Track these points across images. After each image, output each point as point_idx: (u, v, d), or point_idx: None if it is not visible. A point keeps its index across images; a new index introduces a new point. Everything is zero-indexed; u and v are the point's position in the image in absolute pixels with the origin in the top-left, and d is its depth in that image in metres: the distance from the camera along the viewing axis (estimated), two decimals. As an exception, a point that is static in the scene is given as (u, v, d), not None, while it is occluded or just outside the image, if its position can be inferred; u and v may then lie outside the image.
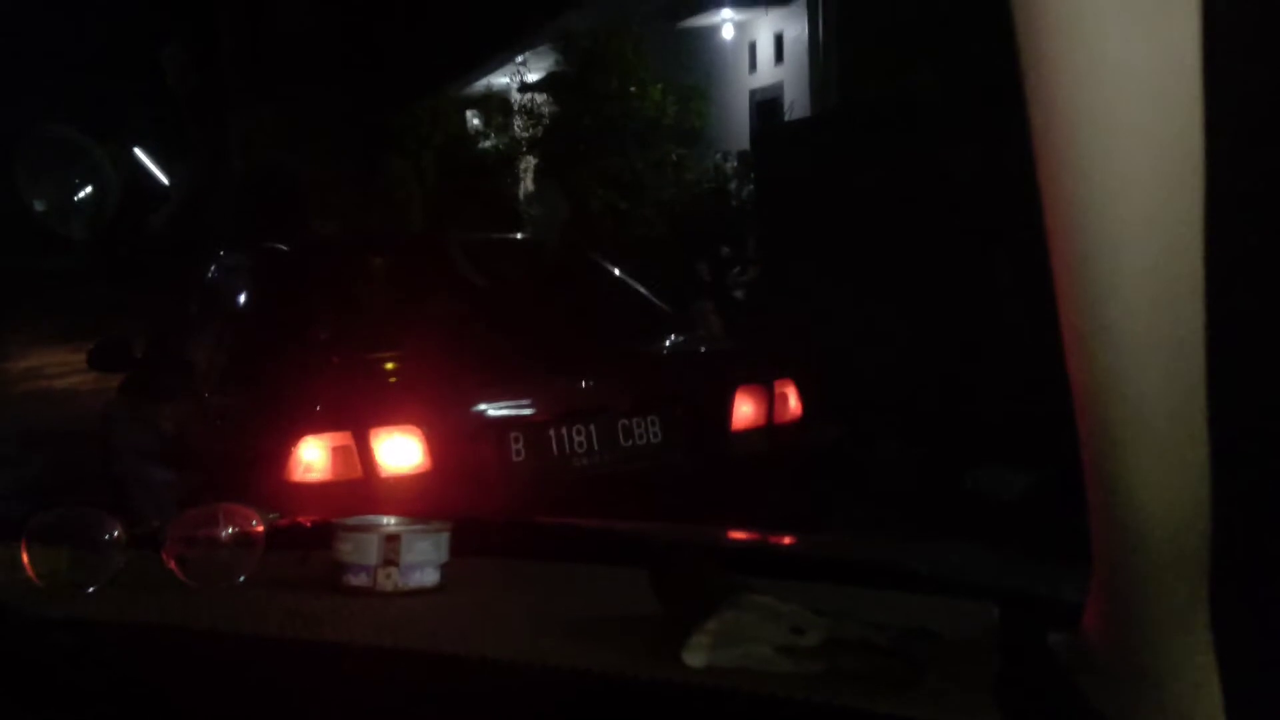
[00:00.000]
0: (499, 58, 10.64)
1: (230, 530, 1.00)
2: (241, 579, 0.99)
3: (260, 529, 1.00)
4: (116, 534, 0.98)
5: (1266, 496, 0.58)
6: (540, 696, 0.82)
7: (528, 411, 3.55)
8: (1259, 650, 0.59)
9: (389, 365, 3.69)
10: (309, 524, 1.13)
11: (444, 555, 1.00)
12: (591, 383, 3.67)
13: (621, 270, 4.59)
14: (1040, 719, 0.77)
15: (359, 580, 0.96)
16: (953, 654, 0.86)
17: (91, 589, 0.96)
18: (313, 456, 3.29)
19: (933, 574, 1.10)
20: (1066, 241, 0.54)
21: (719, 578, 0.91)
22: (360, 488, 3.22)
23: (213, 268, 4.79)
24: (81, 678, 0.84)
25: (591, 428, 3.60)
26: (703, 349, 4.50)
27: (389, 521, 1.00)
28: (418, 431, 3.34)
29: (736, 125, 9.45)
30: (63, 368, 9.18)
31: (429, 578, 0.98)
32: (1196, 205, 0.50)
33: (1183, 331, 0.52)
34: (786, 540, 1.32)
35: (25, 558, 0.97)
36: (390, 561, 0.96)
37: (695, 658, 0.83)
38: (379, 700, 0.81)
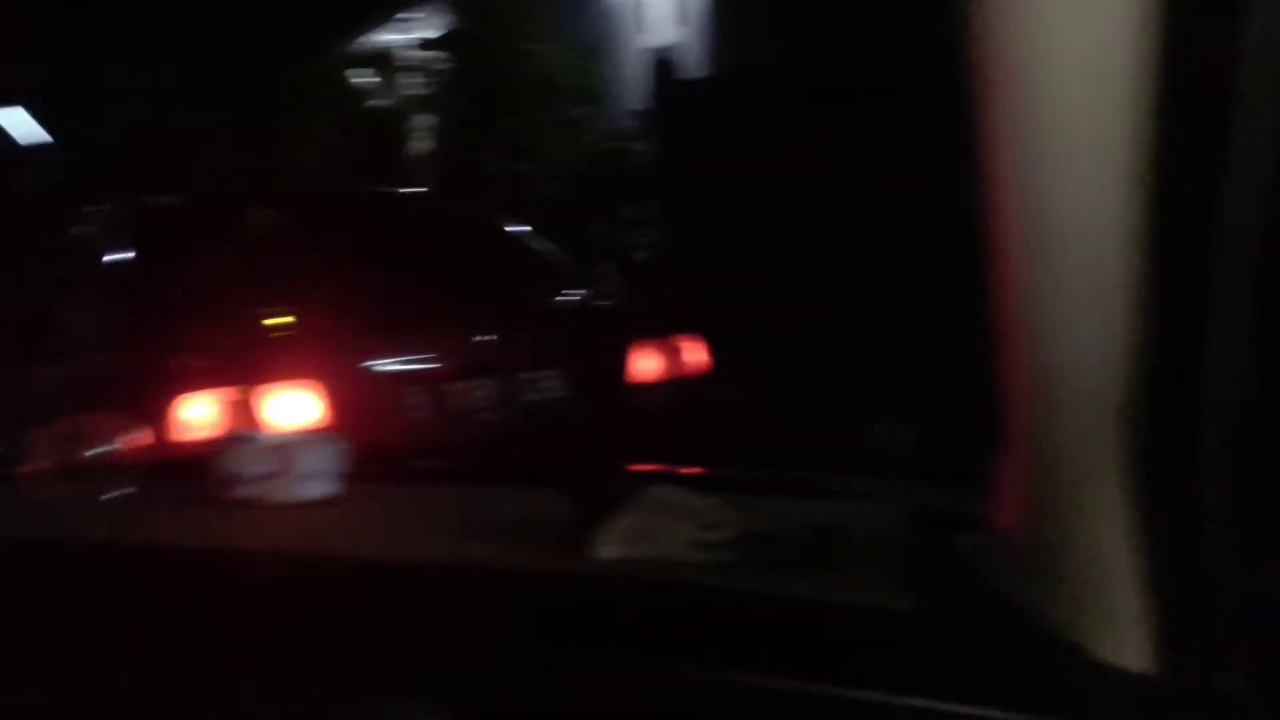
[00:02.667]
0: (388, 14, 10.35)
1: (93, 446, 0.93)
2: (119, 493, 0.92)
3: (137, 442, 0.94)
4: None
5: (1176, 386, 0.59)
6: (449, 594, 0.78)
7: (426, 367, 3.47)
8: (1176, 533, 0.59)
9: (282, 320, 3.57)
10: (188, 441, 1.06)
11: (336, 466, 0.95)
12: (491, 338, 3.61)
13: (519, 228, 4.52)
14: (949, 601, 0.77)
15: (249, 491, 0.91)
16: (858, 547, 0.85)
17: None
18: (200, 413, 3.16)
19: (838, 488, 1.10)
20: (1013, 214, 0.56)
21: (627, 482, 0.89)
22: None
23: (89, 224, 4.56)
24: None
25: (492, 383, 3.54)
26: (602, 305, 4.47)
27: (276, 432, 0.94)
28: (311, 387, 3.23)
29: (635, 85, 9.38)
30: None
31: (321, 488, 0.93)
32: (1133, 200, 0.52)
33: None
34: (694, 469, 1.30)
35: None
36: (280, 471, 0.91)
37: (605, 551, 0.80)
38: (279, 607, 0.77)
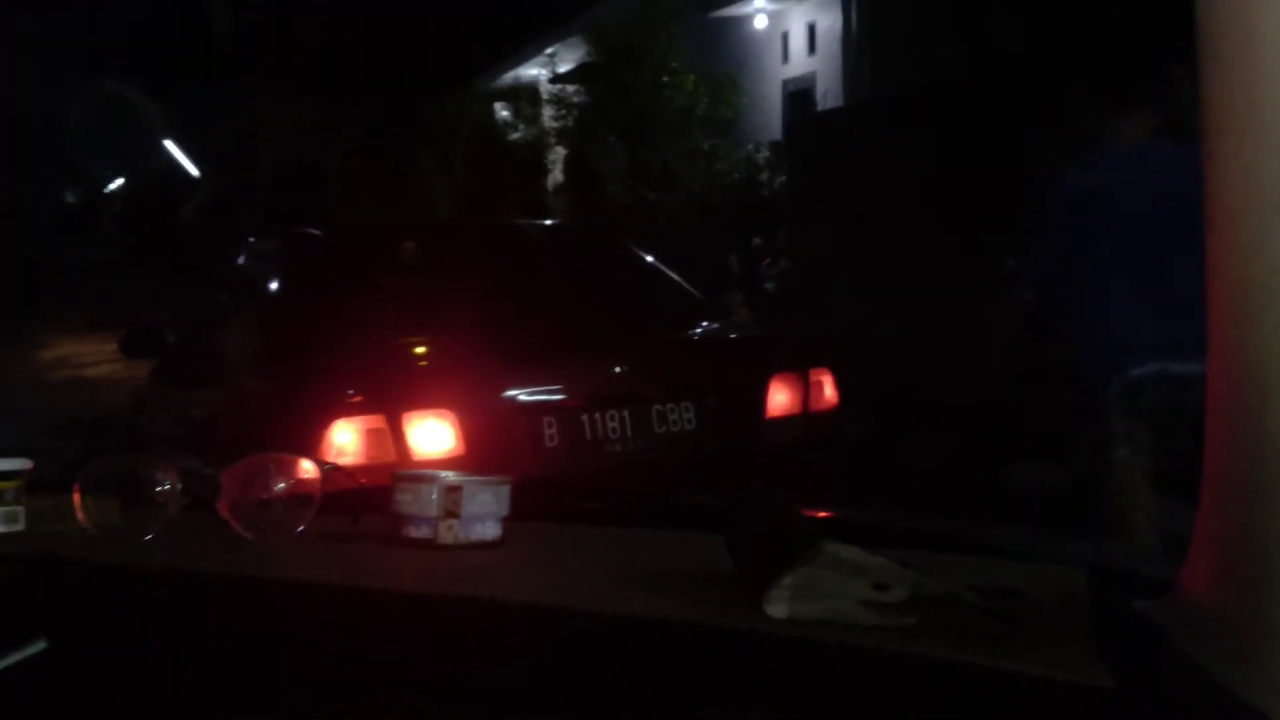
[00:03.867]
0: (528, 50, 10.63)
1: (286, 481, 0.97)
2: (299, 530, 0.96)
3: (317, 479, 0.97)
4: (170, 483, 0.95)
5: None
6: (614, 645, 0.78)
7: (561, 397, 3.50)
8: None
9: (422, 350, 3.67)
10: (364, 478, 1.10)
11: (505, 508, 0.96)
12: (626, 369, 3.62)
13: (654, 259, 4.55)
14: (1145, 676, 0.73)
15: (419, 532, 0.93)
16: (1042, 613, 0.82)
17: (147, 537, 0.94)
18: (345, 440, 3.26)
19: (1008, 544, 1.07)
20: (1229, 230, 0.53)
21: (797, 532, 0.87)
22: (392, 471, 3.17)
23: (244, 254, 4.78)
24: (136, 624, 0.82)
25: (625, 414, 3.55)
26: (737, 336, 4.45)
27: (448, 474, 0.96)
28: (451, 415, 3.31)
29: (769, 116, 9.39)
30: (94, 356, 9.22)
31: (490, 530, 0.95)
32: None
33: None
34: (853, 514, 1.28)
35: (78, 505, 0.94)
36: (451, 513, 0.93)
37: (776, 609, 0.79)
38: (443, 649, 0.78)
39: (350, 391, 3.32)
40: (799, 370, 3.82)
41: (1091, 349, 3.16)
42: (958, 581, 0.84)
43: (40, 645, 0.73)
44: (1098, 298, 3.12)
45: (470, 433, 3.29)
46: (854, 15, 8.33)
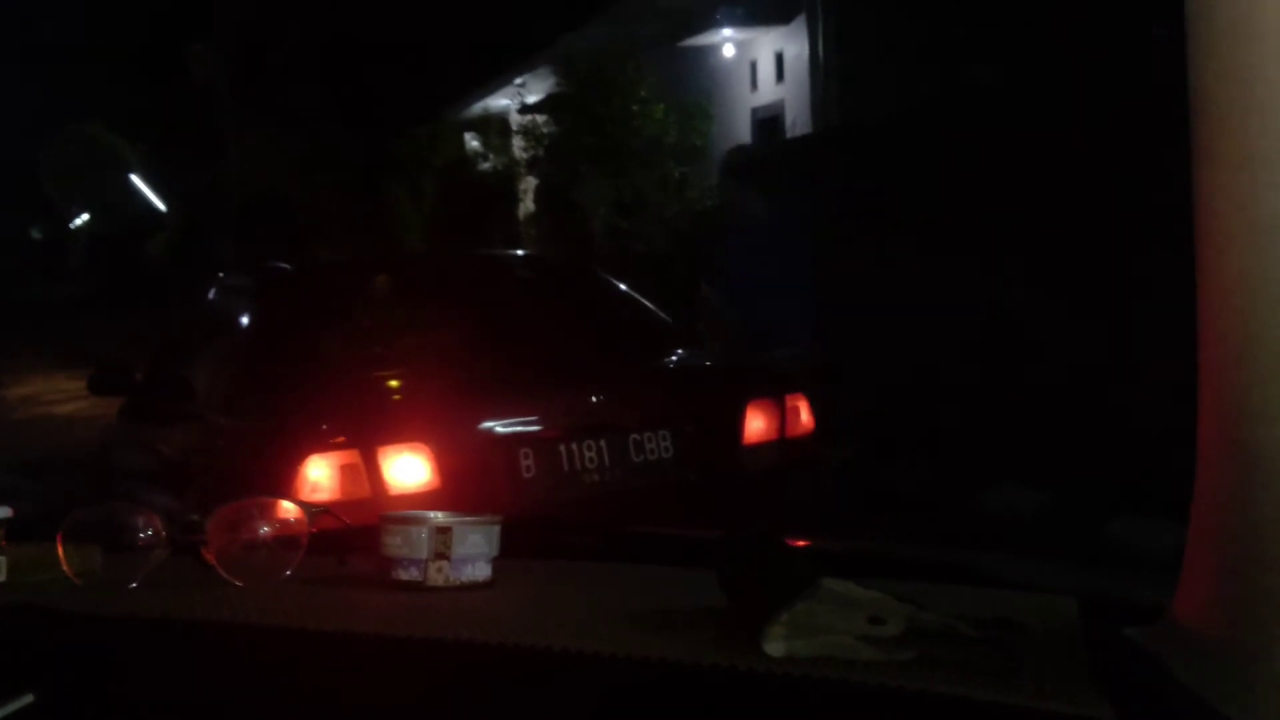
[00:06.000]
0: (497, 80, 10.67)
1: (273, 525, 0.96)
2: (286, 574, 0.95)
3: (304, 523, 0.96)
4: (154, 530, 0.94)
5: None
6: (610, 688, 0.78)
7: (538, 427, 3.49)
8: None
9: (395, 383, 3.65)
10: (351, 521, 1.09)
11: (495, 549, 0.96)
12: (602, 398, 3.62)
13: (627, 287, 4.56)
14: (1144, 707, 0.73)
15: (409, 575, 0.92)
16: (1039, 645, 0.82)
17: (132, 586, 0.92)
18: (319, 475, 3.23)
19: (999, 572, 1.07)
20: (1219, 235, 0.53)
21: (793, 568, 0.87)
22: (368, 506, 3.15)
23: (213, 290, 4.75)
24: (125, 676, 0.80)
25: (602, 443, 3.55)
26: (712, 364, 4.46)
27: (437, 515, 0.95)
28: (426, 449, 3.28)
29: (739, 143, 9.46)
30: (62, 394, 9.11)
31: (480, 571, 0.94)
32: None
33: None
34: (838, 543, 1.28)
35: (61, 555, 0.93)
36: (441, 555, 0.92)
37: (774, 647, 0.78)
38: (436, 694, 0.77)
39: (324, 427, 3.29)
40: (774, 396, 3.83)
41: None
42: (951, 613, 0.83)
43: (28, 699, 0.71)
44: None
45: (446, 465, 3.27)
46: (820, 44, 8.43)
